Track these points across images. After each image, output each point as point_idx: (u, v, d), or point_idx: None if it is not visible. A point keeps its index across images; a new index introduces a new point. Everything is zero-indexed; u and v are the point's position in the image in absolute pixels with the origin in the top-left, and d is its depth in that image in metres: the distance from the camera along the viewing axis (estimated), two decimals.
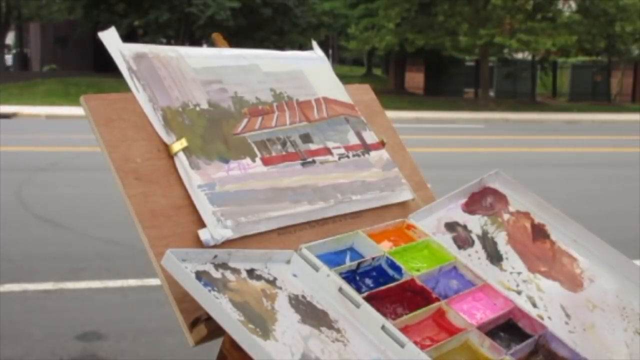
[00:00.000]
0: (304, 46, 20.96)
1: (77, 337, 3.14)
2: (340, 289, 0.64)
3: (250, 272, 0.62)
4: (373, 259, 0.73)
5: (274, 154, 0.77)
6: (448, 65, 23.88)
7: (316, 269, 0.65)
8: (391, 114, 1.17)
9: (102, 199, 5.39)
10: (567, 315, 0.75)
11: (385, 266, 0.74)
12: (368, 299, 0.64)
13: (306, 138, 0.81)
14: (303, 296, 0.63)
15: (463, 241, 0.83)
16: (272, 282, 0.62)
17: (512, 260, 0.81)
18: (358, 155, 0.85)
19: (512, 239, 0.84)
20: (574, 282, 0.79)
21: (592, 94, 23.39)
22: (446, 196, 0.87)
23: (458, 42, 19.87)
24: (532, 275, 0.80)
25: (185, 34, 21.80)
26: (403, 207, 0.85)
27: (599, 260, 0.82)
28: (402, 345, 0.61)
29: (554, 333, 0.72)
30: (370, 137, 0.88)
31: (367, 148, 0.87)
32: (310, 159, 0.80)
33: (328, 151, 0.82)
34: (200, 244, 0.67)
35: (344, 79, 0.96)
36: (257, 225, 0.71)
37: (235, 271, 0.61)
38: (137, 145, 0.70)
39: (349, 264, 0.71)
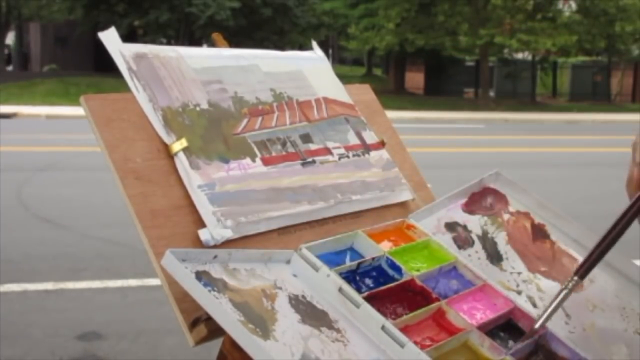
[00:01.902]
0: (304, 46, 20.97)
1: (77, 337, 3.14)
2: (340, 289, 0.64)
3: (250, 272, 0.62)
4: (373, 259, 0.73)
5: (274, 154, 0.77)
6: (448, 65, 23.89)
7: (316, 269, 0.65)
8: (391, 114, 1.16)
9: (102, 199, 5.40)
10: (567, 315, 0.75)
11: (385, 266, 0.74)
12: (368, 299, 0.64)
13: (306, 138, 0.81)
14: (303, 296, 0.63)
15: (463, 241, 0.82)
16: (272, 282, 0.62)
17: (512, 260, 0.81)
18: (358, 155, 0.85)
19: (512, 239, 0.84)
20: None
21: (592, 94, 23.39)
22: (446, 196, 0.87)
23: (458, 42, 19.88)
24: (532, 275, 0.80)
25: (185, 34, 21.81)
26: (403, 207, 0.85)
27: None
28: (402, 345, 0.61)
29: (554, 333, 0.72)
30: (370, 137, 0.88)
31: (367, 148, 0.87)
32: (310, 159, 0.80)
33: (328, 151, 0.82)
34: (200, 244, 0.67)
35: (344, 79, 0.95)
36: (257, 225, 0.71)
37: (236, 271, 0.61)
38: (137, 146, 0.70)
39: (349, 264, 0.71)
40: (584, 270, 0.52)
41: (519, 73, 23.70)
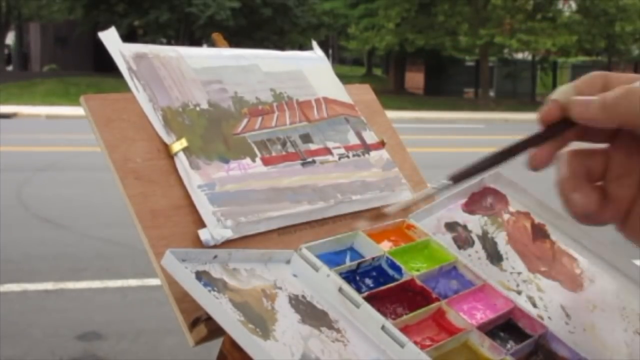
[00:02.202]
0: (304, 46, 20.99)
1: (77, 337, 3.14)
2: (340, 289, 0.64)
3: (250, 272, 0.62)
4: (373, 259, 0.73)
5: (274, 154, 0.77)
6: (448, 65, 23.91)
7: (316, 269, 0.65)
8: (391, 114, 1.16)
9: (102, 199, 5.40)
10: (567, 315, 0.75)
11: (385, 266, 0.74)
12: (368, 299, 0.64)
13: (306, 138, 0.81)
14: (303, 296, 0.63)
15: (463, 241, 0.82)
16: (272, 282, 0.62)
17: (512, 260, 0.81)
18: (358, 155, 0.85)
19: (512, 239, 0.84)
20: (574, 282, 0.79)
21: None
22: (446, 196, 0.87)
23: (458, 42, 19.90)
24: (532, 275, 0.79)
25: (185, 34, 21.82)
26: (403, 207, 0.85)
27: (599, 260, 0.82)
28: (402, 345, 0.61)
29: (554, 333, 0.72)
30: (370, 137, 0.88)
31: (367, 148, 0.87)
32: (310, 159, 0.80)
33: (328, 151, 0.82)
34: (200, 244, 0.67)
35: (344, 79, 0.95)
36: (257, 225, 0.71)
37: (236, 271, 0.61)
38: (137, 146, 0.70)
39: (349, 264, 0.71)
40: (458, 175, 0.52)
41: (519, 73, 23.72)
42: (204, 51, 0.82)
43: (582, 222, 0.51)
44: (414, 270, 0.74)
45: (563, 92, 0.50)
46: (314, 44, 0.97)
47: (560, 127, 0.50)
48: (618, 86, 0.47)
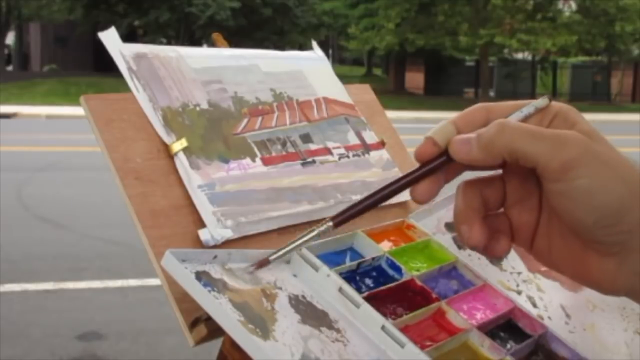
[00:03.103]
0: (304, 46, 21.00)
1: (77, 337, 3.14)
2: (340, 289, 0.64)
3: (250, 272, 0.62)
4: (373, 259, 0.73)
5: (274, 154, 0.77)
6: (448, 65, 23.90)
7: (316, 269, 0.65)
8: (391, 114, 1.16)
9: (102, 199, 5.40)
10: (567, 315, 0.75)
11: (385, 266, 0.74)
12: (368, 299, 0.64)
13: (306, 138, 0.81)
14: (303, 296, 0.63)
15: None
16: (272, 282, 0.62)
17: (512, 260, 0.81)
18: (358, 155, 0.85)
19: None
20: (574, 282, 0.79)
21: (592, 94, 23.40)
22: (446, 196, 0.87)
23: (458, 42, 19.89)
24: (532, 275, 0.79)
25: (185, 34, 21.83)
26: (403, 207, 0.85)
27: None
28: (402, 345, 0.61)
29: (554, 333, 0.72)
30: (370, 137, 0.88)
31: (367, 148, 0.87)
32: (310, 159, 0.80)
33: (328, 151, 0.82)
34: (200, 244, 0.67)
35: (344, 79, 0.95)
36: (257, 225, 0.71)
37: (235, 271, 0.61)
38: (137, 145, 0.70)
39: (349, 264, 0.71)
40: (340, 219, 0.50)
41: (519, 73, 23.71)
42: (204, 51, 0.82)
43: (481, 253, 0.50)
44: (414, 270, 0.74)
45: (440, 129, 0.47)
46: (314, 44, 0.97)
47: (439, 163, 0.48)
48: (496, 120, 0.45)
